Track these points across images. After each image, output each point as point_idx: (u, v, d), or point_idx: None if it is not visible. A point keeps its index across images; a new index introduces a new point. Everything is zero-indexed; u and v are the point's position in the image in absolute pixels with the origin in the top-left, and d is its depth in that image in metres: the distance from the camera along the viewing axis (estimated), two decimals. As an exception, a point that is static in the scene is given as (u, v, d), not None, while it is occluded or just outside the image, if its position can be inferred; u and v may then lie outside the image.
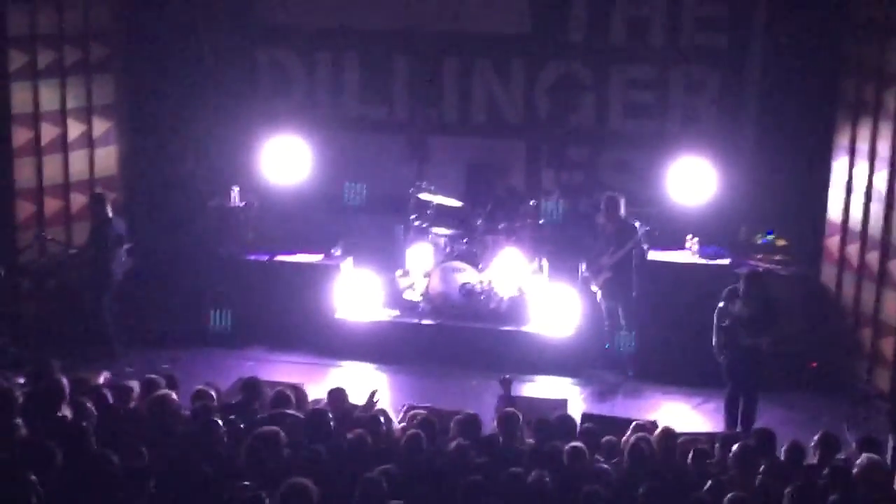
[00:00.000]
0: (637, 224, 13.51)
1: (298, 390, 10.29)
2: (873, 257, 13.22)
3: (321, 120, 15.76)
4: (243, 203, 14.93)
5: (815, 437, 9.25)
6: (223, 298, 14.12)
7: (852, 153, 13.54)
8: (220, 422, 8.75)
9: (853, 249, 13.57)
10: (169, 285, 14.62)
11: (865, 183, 13.31)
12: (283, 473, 7.66)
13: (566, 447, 8.65)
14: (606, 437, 9.39)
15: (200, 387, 10.00)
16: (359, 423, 9.30)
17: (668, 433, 9.21)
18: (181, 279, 14.61)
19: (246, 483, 7.51)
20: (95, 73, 14.81)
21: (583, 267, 13.75)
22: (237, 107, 15.59)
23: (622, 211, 13.48)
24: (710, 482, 8.23)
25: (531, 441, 9.26)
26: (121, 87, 15.27)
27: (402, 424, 9.75)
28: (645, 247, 13.55)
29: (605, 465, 8.64)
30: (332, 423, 9.09)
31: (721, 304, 11.76)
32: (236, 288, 14.34)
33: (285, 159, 14.73)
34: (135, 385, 10.09)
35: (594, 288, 13.63)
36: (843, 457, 9.11)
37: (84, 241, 14.06)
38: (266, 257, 14.57)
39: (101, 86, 14.92)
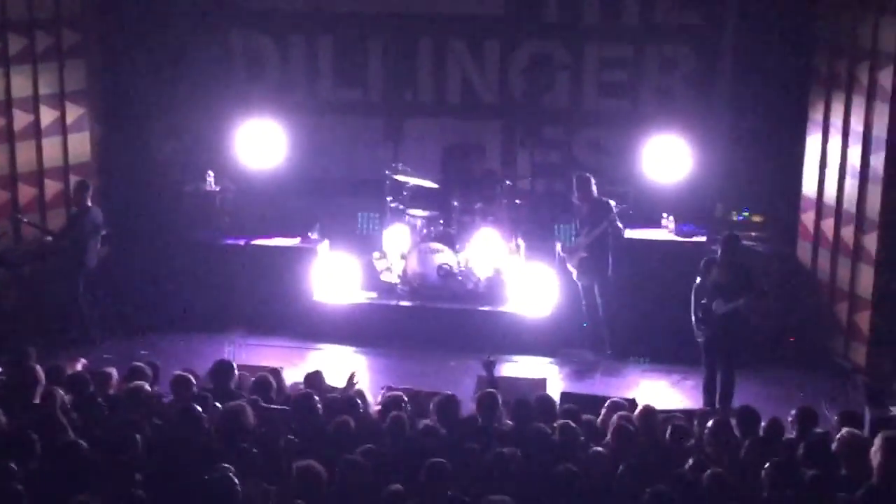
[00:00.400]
0: (612, 202, 13.52)
1: (276, 374, 10.28)
2: (848, 232, 13.29)
3: (296, 103, 15.71)
4: (219, 188, 14.90)
5: (793, 412, 9.31)
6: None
7: (826, 129, 13.59)
8: (198, 408, 8.74)
9: (828, 224, 13.63)
10: (145, 271, 14.56)
11: (839, 158, 13.37)
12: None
13: (557, 424, 8.69)
14: (585, 417, 9.42)
15: (178, 373, 9.98)
16: (335, 405, 9.31)
17: (648, 411, 9.24)
18: (157, 265, 14.54)
19: (225, 465, 7.51)
20: (67, 58, 14.72)
21: (559, 246, 13.77)
22: (211, 91, 15.51)
23: (594, 190, 13.49)
24: (691, 459, 8.26)
25: (509, 422, 9.28)
26: (93, 73, 15.19)
27: (378, 407, 9.73)
28: (620, 225, 13.56)
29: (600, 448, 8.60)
30: (319, 407, 9.10)
31: (698, 280, 11.82)
32: (213, 273, 14.30)
33: (260, 143, 14.69)
34: (113, 372, 10.05)
35: (570, 267, 13.65)
36: (820, 431, 9.17)
37: (60, 228, 13.99)
38: (243, 241, 14.54)
39: (74, 72, 14.83)
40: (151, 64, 15.42)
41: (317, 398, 9.24)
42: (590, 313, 13.69)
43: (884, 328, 12.96)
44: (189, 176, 15.03)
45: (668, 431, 8.87)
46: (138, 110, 15.44)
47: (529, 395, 9.83)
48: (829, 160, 13.58)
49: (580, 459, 8.19)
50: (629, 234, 13.91)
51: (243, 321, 14.16)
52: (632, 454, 8.35)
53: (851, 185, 13.21)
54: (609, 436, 8.81)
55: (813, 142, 13.83)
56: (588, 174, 13.63)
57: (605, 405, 9.60)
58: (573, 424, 8.76)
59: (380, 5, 15.49)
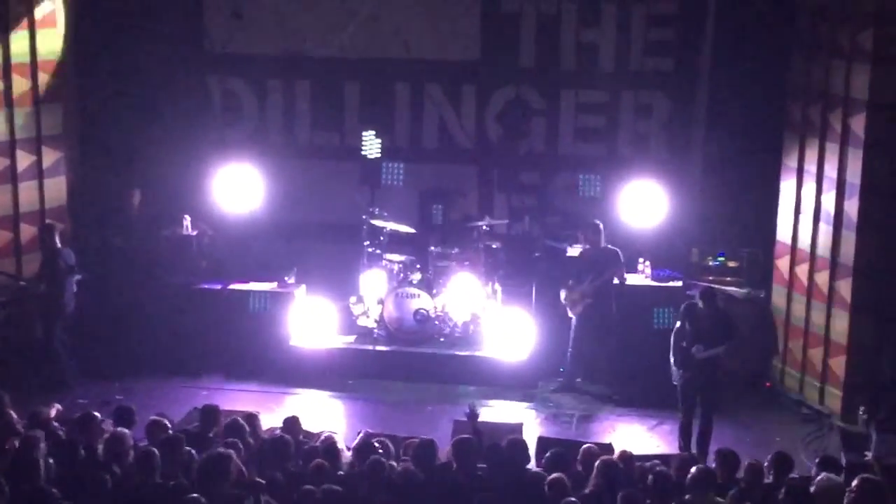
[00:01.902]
0: (618, 250, 13.57)
1: (253, 418, 10.24)
2: (823, 277, 13.36)
3: (273, 148, 15.75)
4: (196, 232, 14.87)
5: (769, 457, 9.32)
6: None
7: (800, 174, 13.70)
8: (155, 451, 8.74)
9: (802, 270, 13.70)
10: (121, 316, 14.48)
11: (814, 204, 13.47)
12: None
13: (549, 478, 8.69)
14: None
15: (154, 418, 9.94)
16: (311, 453, 9.30)
17: (625, 456, 9.24)
18: (133, 309, 14.48)
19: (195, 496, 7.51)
20: (44, 102, 14.70)
21: (563, 294, 13.69)
22: (188, 135, 15.54)
23: (602, 238, 13.54)
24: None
25: (482, 466, 9.27)
26: (70, 117, 15.16)
27: (350, 454, 9.71)
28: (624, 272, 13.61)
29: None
30: (292, 450, 9.09)
31: (678, 324, 11.85)
32: (190, 317, 14.26)
33: (237, 187, 14.67)
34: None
35: (571, 314, 13.61)
36: (796, 475, 9.19)
37: (34, 273, 13.92)
38: (219, 286, 14.50)
39: (51, 115, 14.79)
40: (128, 108, 15.42)
41: (291, 442, 9.25)
42: (576, 353, 13.67)
43: (858, 373, 13.02)
44: (166, 220, 14.99)
45: (651, 479, 8.86)
46: (115, 154, 15.42)
47: (501, 440, 9.80)
48: (804, 206, 13.68)
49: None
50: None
51: (220, 366, 14.11)
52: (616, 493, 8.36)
53: (826, 230, 13.30)
54: (594, 477, 8.80)
55: (787, 187, 13.94)
56: (598, 222, 13.66)
57: (582, 451, 9.59)
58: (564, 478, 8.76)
59: (357, 51, 15.57)
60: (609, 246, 13.61)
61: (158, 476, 8.44)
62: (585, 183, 14.57)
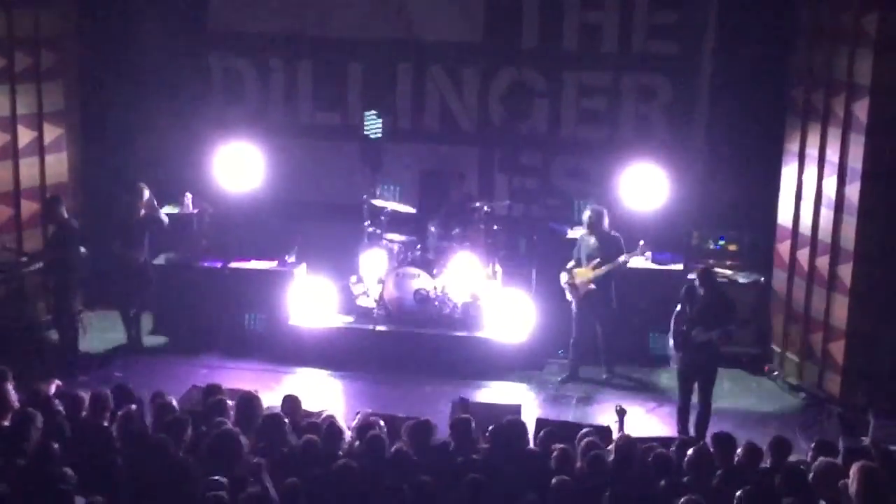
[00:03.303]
0: (620, 237, 13.56)
1: (253, 398, 10.24)
2: (823, 262, 13.36)
3: (275, 127, 15.74)
4: (196, 210, 14.88)
5: (767, 441, 9.34)
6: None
7: (802, 159, 13.69)
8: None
9: (803, 254, 13.71)
10: (121, 294, 14.48)
11: (815, 188, 13.45)
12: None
13: (556, 450, 8.72)
14: (559, 446, 9.40)
15: (158, 398, 9.96)
16: (312, 430, 9.31)
17: (626, 440, 9.26)
18: (133, 288, 14.47)
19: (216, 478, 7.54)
20: (46, 79, 14.68)
21: (563, 278, 13.65)
22: (190, 113, 15.53)
23: (606, 223, 13.52)
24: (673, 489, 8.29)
25: (485, 446, 9.29)
26: (72, 94, 15.16)
27: (351, 433, 9.73)
28: (625, 258, 13.57)
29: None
30: (286, 428, 9.11)
31: (679, 307, 11.85)
32: (190, 295, 14.28)
33: (238, 166, 14.67)
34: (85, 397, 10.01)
35: (570, 298, 13.57)
36: (794, 459, 9.21)
37: (43, 246, 13.93)
38: (220, 264, 14.51)
39: (52, 92, 14.79)
40: (130, 85, 15.42)
41: (286, 421, 9.28)
42: (579, 339, 13.66)
43: (857, 359, 13.03)
44: (167, 198, 14.99)
45: (651, 460, 8.88)
46: (116, 131, 15.42)
47: (502, 420, 9.83)
48: (805, 190, 13.67)
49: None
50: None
51: (219, 344, 14.13)
52: (605, 481, 8.38)
53: (826, 215, 13.29)
54: (581, 462, 8.82)
55: (789, 172, 13.92)
56: (601, 207, 13.63)
57: (583, 433, 9.60)
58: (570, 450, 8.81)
59: (360, 30, 15.54)
60: (613, 232, 13.57)
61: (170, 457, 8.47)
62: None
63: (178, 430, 8.91)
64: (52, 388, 10.31)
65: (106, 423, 9.34)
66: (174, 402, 9.84)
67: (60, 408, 9.53)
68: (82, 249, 13.62)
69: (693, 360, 11.74)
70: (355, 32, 15.55)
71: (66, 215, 13.54)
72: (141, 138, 15.46)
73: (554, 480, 8.25)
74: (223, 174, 14.68)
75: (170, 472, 8.09)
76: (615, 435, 10.06)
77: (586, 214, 13.64)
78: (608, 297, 13.51)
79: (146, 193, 13.88)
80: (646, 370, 13.76)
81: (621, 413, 10.52)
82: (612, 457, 8.96)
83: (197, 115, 15.58)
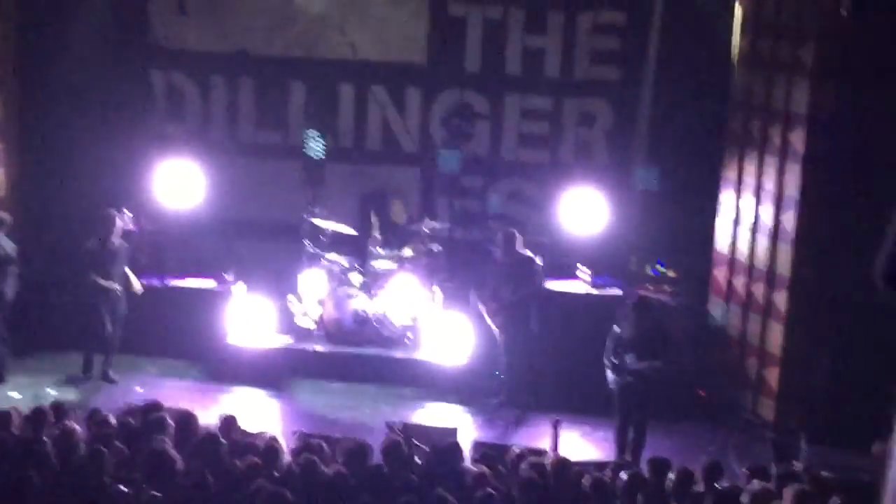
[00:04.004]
0: (537, 258, 13.58)
1: (189, 416, 10.17)
2: (759, 289, 13.50)
3: (216, 144, 15.67)
4: (135, 227, 14.76)
5: (701, 466, 9.40)
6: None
7: (739, 186, 13.85)
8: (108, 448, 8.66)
9: (739, 281, 13.85)
10: (58, 309, 14.35)
11: (752, 216, 13.61)
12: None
13: (473, 471, 8.70)
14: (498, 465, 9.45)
15: (92, 413, 9.86)
16: (249, 451, 9.24)
17: (561, 462, 9.29)
18: (71, 303, 14.34)
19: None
20: (-16, 92, 14.57)
21: (482, 307, 13.69)
22: (130, 129, 15.41)
23: (519, 246, 13.55)
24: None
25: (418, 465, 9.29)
26: (10, 108, 15.02)
27: (290, 453, 9.67)
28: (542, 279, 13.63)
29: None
30: (224, 449, 9.04)
31: (615, 329, 11.91)
32: (128, 312, 14.16)
33: (179, 183, 14.59)
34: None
35: (490, 322, 13.57)
36: (727, 485, 9.28)
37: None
38: (158, 282, 14.42)
39: (-9, 106, 14.67)
40: (70, 100, 15.26)
41: (223, 441, 9.22)
42: (511, 361, 13.66)
43: (791, 384, 13.17)
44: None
45: (589, 485, 8.91)
46: (55, 147, 15.26)
47: (439, 443, 9.83)
48: (742, 217, 13.83)
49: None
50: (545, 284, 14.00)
51: (156, 361, 14.02)
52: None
53: (763, 242, 13.45)
54: (516, 489, 8.83)
55: (726, 199, 14.08)
56: (514, 230, 13.67)
57: (514, 454, 9.62)
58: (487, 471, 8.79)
59: (302, 49, 15.54)
60: (526, 253, 13.59)
61: (108, 474, 8.39)
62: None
63: (111, 448, 8.81)
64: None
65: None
66: (111, 419, 9.75)
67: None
68: (12, 266, 13.43)
69: (628, 384, 11.79)
70: (298, 52, 15.55)
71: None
72: (80, 154, 15.29)
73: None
74: (163, 191, 14.60)
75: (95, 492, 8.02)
76: (550, 454, 10.08)
77: (500, 239, 13.62)
78: (527, 320, 13.49)
79: (118, 221, 13.62)
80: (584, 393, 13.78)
81: (556, 426, 10.53)
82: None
83: (137, 131, 15.46)
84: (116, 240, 13.59)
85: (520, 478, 8.79)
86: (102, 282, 13.44)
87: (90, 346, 13.69)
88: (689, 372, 13.89)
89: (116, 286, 13.56)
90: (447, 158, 14.90)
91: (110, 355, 13.66)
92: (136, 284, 13.66)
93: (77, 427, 9.17)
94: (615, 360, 11.77)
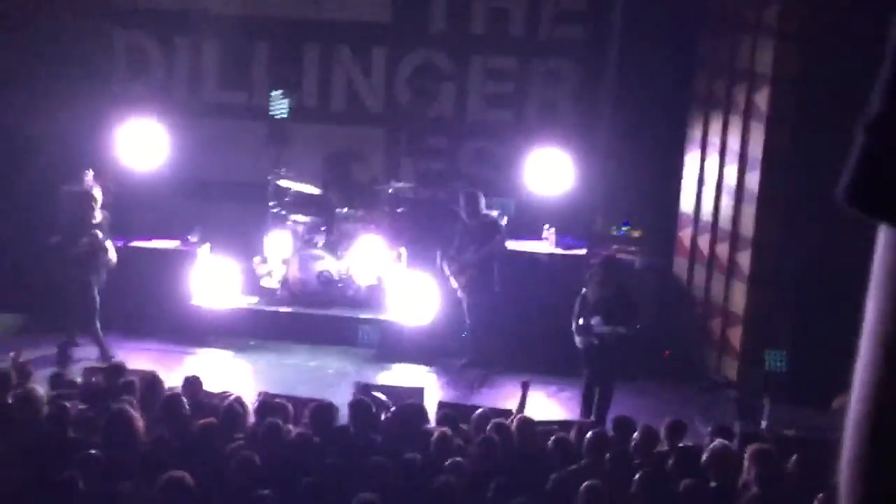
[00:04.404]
0: (500, 220, 13.59)
1: (154, 377, 10.14)
2: (723, 249, 13.56)
3: (179, 105, 15.55)
4: (97, 187, 14.63)
5: (664, 425, 9.47)
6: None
7: (704, 147, 13.88)
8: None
9: (704, 241, 13.90)
10: (19, 270, 14.23)
11: (716, 176, 13.65)
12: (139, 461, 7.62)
13: (435, 433, 8.72)
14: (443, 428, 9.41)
15: (55, 375, 9.82)
16: (213, 412, 9.23)
17: (525, 421, 9.32)
18: (31, 266, 14.23)
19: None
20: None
21: (445, 266, 13.73)
22: (93, 89, 15.26)
23: (482, 206, 13.54)
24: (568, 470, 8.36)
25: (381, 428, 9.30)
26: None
27: (254, 414, 9.67)
28: (504, 239, 13.65)
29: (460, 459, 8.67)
30: (186, 410, 9.02)
31: (583, 291, 11.90)
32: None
33: (141, 144, 14.48)
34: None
35: (455, 284, 13.62)
36: (690, 443, 9.34)
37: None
38: (121, 243, 14.31)
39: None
40: (30, 60, 15.10)
41: (185, 401, 9.20)
42: (476, 324, 13.69)
43: (754, 344, 13.25)
44: (66, 175, 14.73)
45: (551, 443, 8.94)
46: (15, 105, 15.10)
47: (404, 402, 9.84)
48: (707, 178, 13.86)
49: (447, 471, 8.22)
50: (510, 245, 14.02)
51: (119, 323, 13.94)
52: (497, 465, 8.42)
53: (727, 203, 13.49)
54: (475, 446, 8.86)
55: (691, 159, 14.11)
56: (476, 190, 13.66)
57: (478, 413, 9.65)
58: (449, 432, 8.80)
59: (266, 8, 15.43)
60: (489, 213, 13.60)
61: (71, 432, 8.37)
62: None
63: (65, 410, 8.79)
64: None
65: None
66: (76, 380, 9.72)
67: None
68: None
69: (593, 345, 11.82)
70: (262, 10, 15.43)
71: None
72: (42, 114, 15.16)
73: (449, 462, 8.27)
74: (126, 152, 14.49)
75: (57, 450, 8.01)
76: (514, 414, 10.11)
77: (462, 200, 13.62)
78: (491, 280, 13.51)
79: (98, 191, 13.35)
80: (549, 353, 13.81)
81: (525, 387, 10.56)
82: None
83: (100, 91, 15.32)
84: (100, 212, 13.34)
85: (481, 438, 8.80)
86: (112, 255, 13.20)
87: (76, 319, 13.39)
88: (652, 332, 13.94)
89: (112, 258, 13.35)
90: (278, 102, 14.77)
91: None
92: (114, 257, 13.45)
93: (40, 389, 9.14)
94: (581, 322, 11.80)
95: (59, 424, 8.43)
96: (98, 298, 13.11)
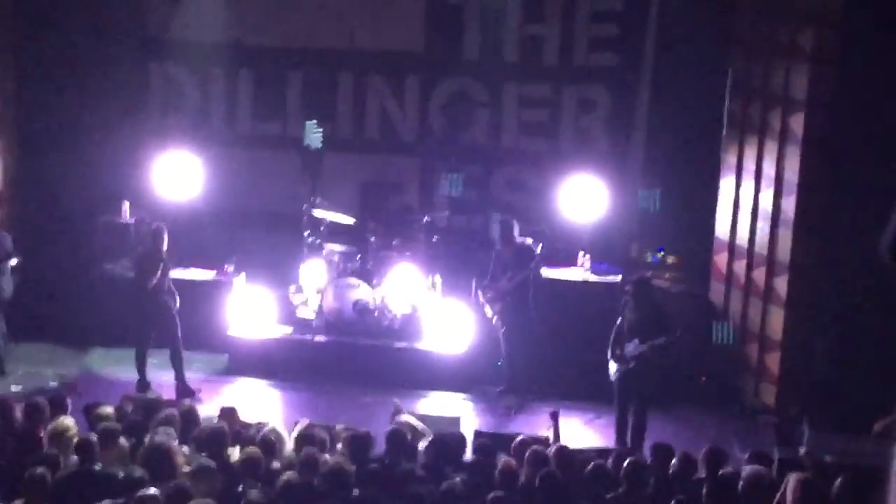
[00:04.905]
0: (533, 244, 13.58)
1: (190, 409, 10.17)
2: (759, 274, 13.49)
3: (214, 136, 15.65)
4: (134, 219, 14.75)
5: (702, 451, 9.39)
6: None
7: (739, 172, 13.82)
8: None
9: (740, 266, 13.83)
10: (57, 303, 14.33)
11: (752, 201, 13.59)
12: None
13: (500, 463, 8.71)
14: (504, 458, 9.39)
15: (95, 407, 9.87)
16: (249, 442, 9.25)
17: (563, 450, 9.29)
18: (70, 296, 14.34)
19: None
20: (-20, 87, 14.55)
21: (481, 295, 13.70)
22: (129, 122, 15.39)
23: (516, 234, 13.54)
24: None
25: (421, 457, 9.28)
26: (7, 100, 15.00)
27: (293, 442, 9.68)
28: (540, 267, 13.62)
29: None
30: (228, 442, 9.06)
31: (618, 320, 11.87)
32: (127, 305, 14.13)
33: (178, 175, 14.58)
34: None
35: (489, 310, 13.59)
36: (729, 470, 9.27)
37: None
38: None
39: (-11, 100, 14.65)
40: (68, 93, 15.25)
41: (227, 432, 9.21)
42: (511, 351, 13.65)
43: (792, 369, 13.17)
44: (104, 206, 14.86)
45: (589, 470, 8.90)
46: (53, 139, 15.25)
47: (443, 432, 9.83)
48: (742, 203, 13.80)
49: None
50: (545, 272, 14.00)
51: (156, 353, 13.97)
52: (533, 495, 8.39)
53: (763, 227, 13.43)
54: (524, 465, 8.84)
55: (726, 185, 14.05)
56: (510, 218, 13.67)
57: (517, 442, 9.62)
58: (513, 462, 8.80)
59: (300, 40, 15.50)
60: (523, 241, 13.59)
61: (98, 464, 8.40)
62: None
63: (111, 441, 8.82)
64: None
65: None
66: (110, 412, 9.75)
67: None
68: (13, 262, 13.41)
69: (629, 371, 11.78)
70: (295, 41, 15.51)
71: None
72: (79, 147, 15.29)
73: (492, 496, 8.23)
74: (162, 183, 14.59)
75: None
76: (551, 443, 10.08)
77: (495, 227, 13.63)
78: (526, 308, 13.47)
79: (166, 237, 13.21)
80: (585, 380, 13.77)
81: (555, 417, 10.53)
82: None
83: (136, 123, 15.44)
84: (165, 249, 13.21)
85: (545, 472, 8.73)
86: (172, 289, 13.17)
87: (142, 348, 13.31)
88: (690, 357, 13.88)
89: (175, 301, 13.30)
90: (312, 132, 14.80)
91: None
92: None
93: (72, 421, 9.18)
94: (617, 351, 11.76)
95: (88, 458, 8.45)
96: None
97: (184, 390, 12.91)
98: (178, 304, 13.14)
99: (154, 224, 13.18)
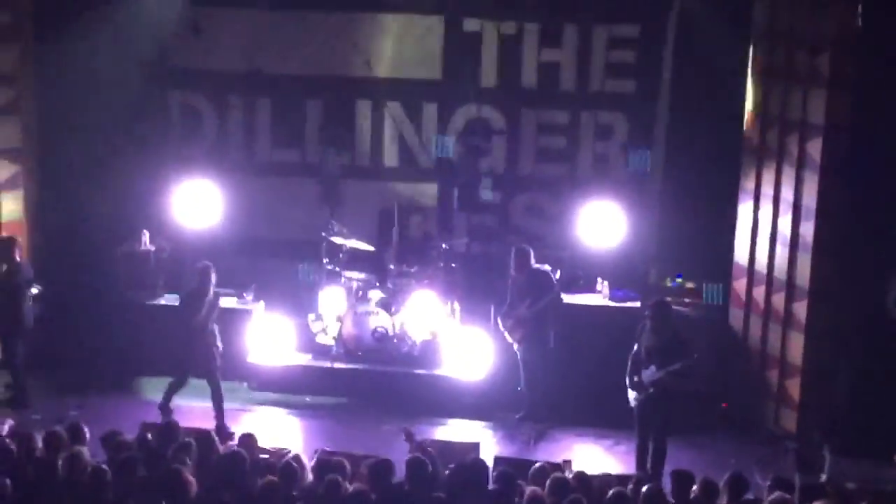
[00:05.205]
0: (551, 271, 13.58)
1: (208, 437, 10.17)
2: (779, 299, 13.45)
3: (233, 164, 15.72)
4: (154, 247, 14.81)
5: (724, 478, 9.36)
6: None
7: (757, 197, 13.80)
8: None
9: (759, 292, 13.80)
10: (78, 331, 14.39)
11: (770, 226, 13.57)
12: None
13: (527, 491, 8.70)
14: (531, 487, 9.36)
15: (112, 436, 9.88)
16: (270, 470, 9.25)
17: (581, 477, 9.27)
18: (91, 324, 14.39)
19: None
20: (2, 115, 14.61)
21: (500, 323, 13.71)
22: (148, 150, 15.48)
23: (532, 261, 13.54)
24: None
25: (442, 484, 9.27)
26: (28, 131, 15.09)
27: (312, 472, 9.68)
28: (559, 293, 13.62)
29: None
30: (247, 469, 9.06)
31: (635, 347, 11.85)
32: (146, 333, 14.18)
33: (197, 203, 14.64)
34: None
35: (510, 339, 13.59)
36: (751, 497, 9.23)
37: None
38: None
39: (8, 129, 14.72)
40: (87, 122, 15.32)
41: (246, 459, 9.21)
42: (530, 378, 13.65)
43: (813, 395, 13.11)
44: (124, 235, 14.92)
45: (610, 497, 8.87)
46: (74, 168, 15.34)
47: (463, 460, 9.81)
48: (761, 228, 13.78)
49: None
50: (565, 298, 13.98)
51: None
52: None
53: (782, 253, 13.40)
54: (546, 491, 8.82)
55: (744, 210, 14.04)
56: (525, 246, 13.67)
57: (535, 468, 9.60)
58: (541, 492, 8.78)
59: (318, 67, 15.57)
60: (540, 267, 13.58)
61: (111, 493, 8.41)
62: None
63: (130, 469, 8.84)
64: (6, 429, 10.22)
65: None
66: (128, 440, 9.77)
67: (13, 447, 9.43)
68: (34, 290, 13.48)
69: (648, 398, 11.73)
70: (314, 69, 15.58)
71: (17, 258, 13.40)
72: (99, 176, 15.38)
73: None
74: (181, 211, 14.65)
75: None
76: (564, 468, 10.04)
77: (512, 256, 13.63)
78: (546, 335, 13.47)
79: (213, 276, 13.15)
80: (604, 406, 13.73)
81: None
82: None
83: (155, 151, 15.53)
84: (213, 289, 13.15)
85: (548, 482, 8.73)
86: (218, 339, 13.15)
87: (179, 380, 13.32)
88: (710, 383, 13.83)
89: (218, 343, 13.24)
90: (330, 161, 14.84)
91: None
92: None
93: (85, 451, 9.19)
94: (635, 378, 11.73)
95: (99, 488, 8.46)
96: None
97: (222, 430, 12.74)
98: (220, 346, 13.13)
99: (201, 264, 13.18)
